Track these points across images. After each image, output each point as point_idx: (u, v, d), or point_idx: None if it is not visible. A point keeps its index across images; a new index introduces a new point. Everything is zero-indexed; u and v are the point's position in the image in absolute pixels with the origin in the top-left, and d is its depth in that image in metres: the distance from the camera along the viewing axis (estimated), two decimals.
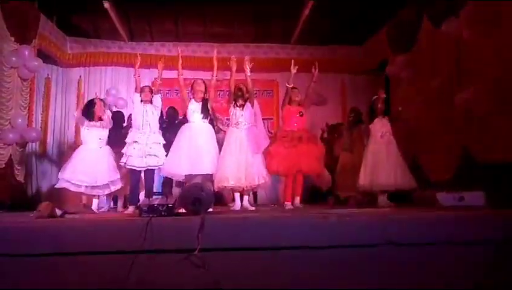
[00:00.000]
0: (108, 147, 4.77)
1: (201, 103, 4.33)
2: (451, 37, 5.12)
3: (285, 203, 4.44)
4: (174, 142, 4.29)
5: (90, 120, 4.71)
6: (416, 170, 6.01)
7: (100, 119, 4.75)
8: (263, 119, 7.64)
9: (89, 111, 4.77)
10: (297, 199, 4.43)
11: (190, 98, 4.40)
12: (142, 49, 7.75)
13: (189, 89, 4.63)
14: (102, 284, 1.89)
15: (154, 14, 6.93)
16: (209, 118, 4.38)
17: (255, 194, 6.19)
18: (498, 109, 4.37)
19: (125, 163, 4.26)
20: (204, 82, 4.52)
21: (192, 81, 4.65)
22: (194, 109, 4.29)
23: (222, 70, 7.70)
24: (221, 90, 7.78)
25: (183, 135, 4.24)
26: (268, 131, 7.72)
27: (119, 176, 4.64)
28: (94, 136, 4.66)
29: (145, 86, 4.66)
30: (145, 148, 4.24)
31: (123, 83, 7.56)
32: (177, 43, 7.84)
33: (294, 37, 7.60)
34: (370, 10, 6.51)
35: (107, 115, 4.94)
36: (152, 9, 6.73)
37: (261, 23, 7.37)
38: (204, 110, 4.28)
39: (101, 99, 4.98)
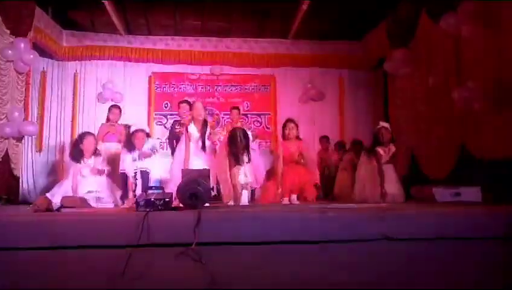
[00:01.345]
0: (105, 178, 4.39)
1: (200, 137, 4.16)
2: (449, 33, 5.11)
3: (282, 198, 4.45)
4: (175, 154, 4.35)
5: (78, 161, 4.20)
6: (414, 166, 6.05)
7: (93, 154, 4.30)
8: (260, 114, 7.73)
9: (75, 150, 4.27)
10: (294, 196, 4.44)
11: (190, 121, 4.31)
12: (139, 43, 7.73)
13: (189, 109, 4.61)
14: (99, 278, 1.89)
15: (152, 7, 6.88)
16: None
17: (252, 191, 6.20)
18: (496, 106, 4.38)
19: (121, 169, 4.25)
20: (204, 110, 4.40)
21: (193, 102, 4.59)
22: (194, 138, 4.18)
23: (220, 64, 7.76)
24: (218, 86, 7.78)
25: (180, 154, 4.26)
26: (266, 126, 7.73)
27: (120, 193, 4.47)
28: (91, 181, 4.18)
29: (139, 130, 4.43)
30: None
31: (120, 77, 7.53)
32: (175, 37, 7.82)
33: (292, 32, 7.57)
34: (369, 5, 6.49)
35: (105, 163, 4.47)
36: (149, 3, 6.68)
37: (259, 18, 7.34)
38: (203, 147, 4.16)
39: (90, 133, 4.54)
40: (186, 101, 5.45)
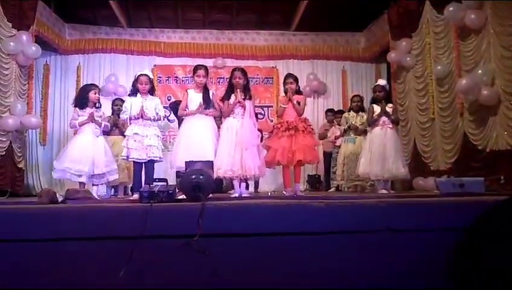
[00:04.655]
0: (104, 137, 4.67)
1: (201, 93, 4.21)
2: (453, 23, 5.07)
3: (285, 189, 4.46)
4: (176, 137, 4.29)
5: (83, 108, 4.49)
6: (417, 157, 6.04)
7: (94, 106, 4.54)
8: (263, 106, 7.72)
9: (81, 98, 4.55)
10: (298, 186, 4.43)
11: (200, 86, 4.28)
12: (141, 36, 7.72)
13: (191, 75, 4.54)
14: (103, 269, 1.91)
15: (153, 0, 6.85)
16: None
17: (256, 182, 6.20)
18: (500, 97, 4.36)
19: (127, 157, 4.19)
20: (206, 68, 4.39)
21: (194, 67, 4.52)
22: (193, 98, 4.19)
23: (222, 56, 7.73)
24: (221, 78, 7.75)
25: (184, 128, 4.20)
26: (269, 119, 7.72)
27: (116, 166, 4.58)
28: (89, 124, 4.45)
29: (142, 74, 4.28)
30: (145, 139, 4.15)
31: (122, 70, 7.53)
32: (177, 30, 7.80)
33: (295, 24, 7.53)
34: None
35: (104, 116, 4.72)
36: None
37: (261, 10, 7.30)
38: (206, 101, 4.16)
39: (96, 86, 4.78)
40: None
